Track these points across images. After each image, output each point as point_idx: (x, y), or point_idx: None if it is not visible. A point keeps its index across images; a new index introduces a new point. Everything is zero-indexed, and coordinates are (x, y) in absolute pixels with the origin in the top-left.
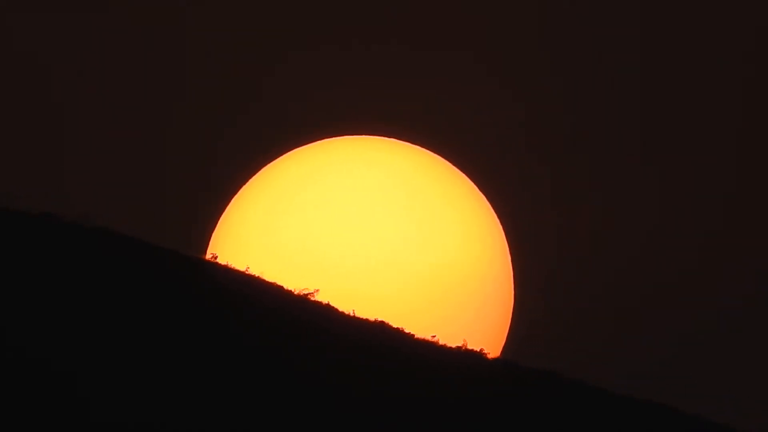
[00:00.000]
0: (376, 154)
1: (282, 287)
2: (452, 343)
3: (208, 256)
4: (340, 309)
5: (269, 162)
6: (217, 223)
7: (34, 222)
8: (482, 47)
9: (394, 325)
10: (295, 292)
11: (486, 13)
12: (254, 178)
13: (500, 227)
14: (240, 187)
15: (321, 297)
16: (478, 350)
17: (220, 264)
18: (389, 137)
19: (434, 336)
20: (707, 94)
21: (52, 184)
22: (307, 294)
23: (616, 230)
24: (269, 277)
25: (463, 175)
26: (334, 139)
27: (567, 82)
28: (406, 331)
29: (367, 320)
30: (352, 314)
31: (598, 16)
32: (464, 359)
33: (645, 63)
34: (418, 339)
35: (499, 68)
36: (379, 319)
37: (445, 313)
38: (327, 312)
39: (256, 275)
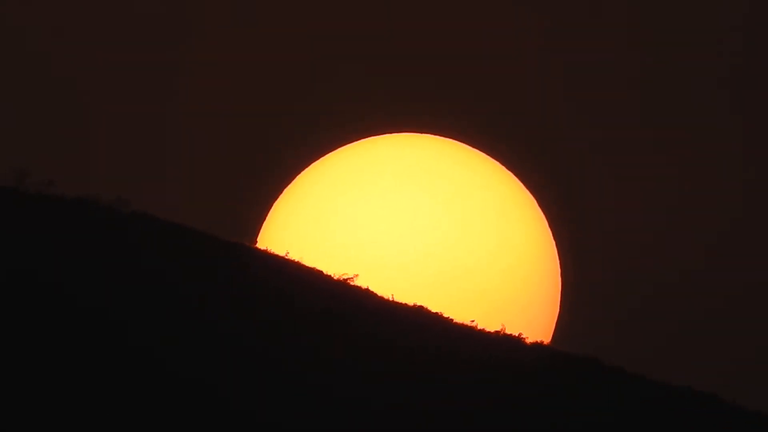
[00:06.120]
0: (423, 150)
1: (321, 272)
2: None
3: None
4: (380, 294)
5: (321, 156)
6: (266, 215)
7: (69, 206)
8: (545, 50)
9: (433, 310)
10: (335, 277)
11: (556, 15)
12: (306, 171)
13: (545, 221)
14: (290, 181)
15: (363, 284)
16: (517, 335)
17: (259, 248)
18: (440, 135)
19: (473, 321)
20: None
21: (96, 172)
22: (347, 279)
23: (664, 231)
24: (309, 263)
25: (505, 169)
26: (385, 135)
27: (625, 85)
28: (445, 315)
29: (405, 304)
30: (391, 299)
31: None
32: (502, 343)
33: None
34: (456, 323)
35: (556, 69)
36: (418, 304)
37: (490, 307)
38: (366, 295)
39: (295, 260)
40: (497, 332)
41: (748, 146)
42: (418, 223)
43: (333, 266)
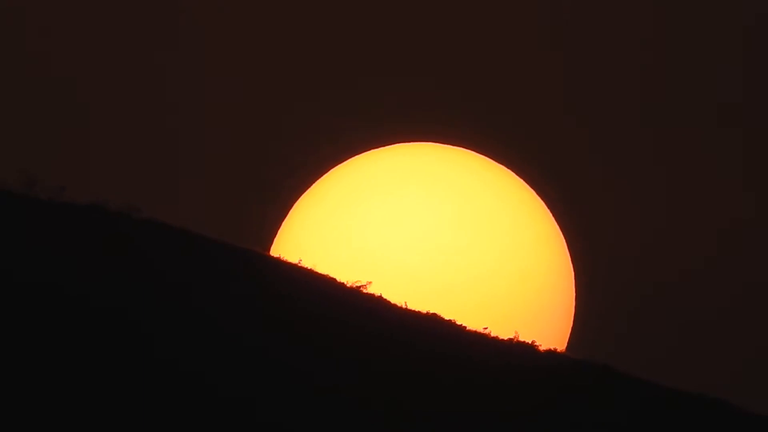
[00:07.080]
0: (434, 159)
1: (334, 279)
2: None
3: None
4: (393, 301)
5: (336, 165)
6: (280, 224)
7: (81, 212)
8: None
9: (446, 318)
10: (348, 284)
11: (559, 22)
12: (321, 179)
13: (557, 226)
14: (304, 190)
15: (376, 291)
16: (530, 342)
17: (271, 255)
18: (450, 144)
19: (486, 328)
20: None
21: (106, 178)
22: (360, 286)
23: (676, 231)
24: (322, 270)
25: (515, 175)
26: (396, 145)
27: (628, 92)
28: (458, 323)
29: (418, 312)
30: (404, 306)
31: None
32: (515, 351)
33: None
34: (469, 330)
35: (556, 77)
36: (431, 311)
37: (503, 314)
38: (379, 302)
39: (308, 267)
40: (510, 339)
41: (747, 146)
42: (431, 230)
43: (346, 274)
